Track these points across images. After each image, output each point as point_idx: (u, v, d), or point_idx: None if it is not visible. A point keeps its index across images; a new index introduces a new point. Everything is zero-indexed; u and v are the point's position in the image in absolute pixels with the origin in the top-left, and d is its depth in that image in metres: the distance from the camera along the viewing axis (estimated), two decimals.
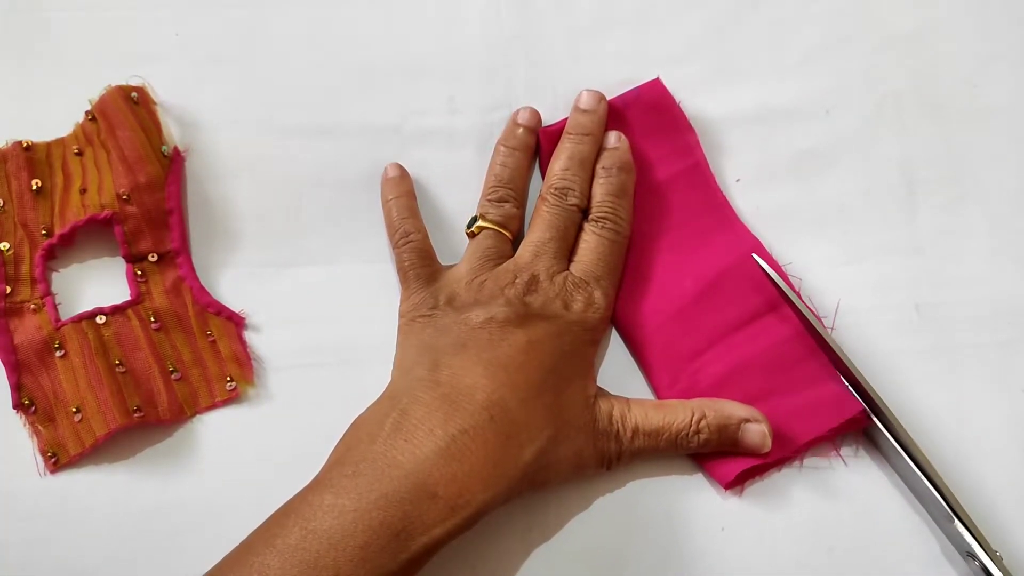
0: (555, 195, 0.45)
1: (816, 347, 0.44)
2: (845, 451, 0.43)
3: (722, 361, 0.44)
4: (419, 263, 0.44)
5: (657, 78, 0.48)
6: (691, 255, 0.46)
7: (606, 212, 0.44)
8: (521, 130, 0.47)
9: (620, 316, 0.45)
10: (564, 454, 0.40)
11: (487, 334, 0.41)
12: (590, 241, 0.44)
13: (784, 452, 0.42)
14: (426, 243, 0.45)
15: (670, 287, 0.45)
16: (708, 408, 0.42)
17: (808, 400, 0.43)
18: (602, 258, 0.44)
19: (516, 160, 0.46)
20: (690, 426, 0.41)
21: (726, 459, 0.42)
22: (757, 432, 0.41)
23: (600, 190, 0.45)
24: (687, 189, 0.46)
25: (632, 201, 0.46)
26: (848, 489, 0.43)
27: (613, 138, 0.46)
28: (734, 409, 0.42)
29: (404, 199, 0.46)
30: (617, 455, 0.41)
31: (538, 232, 0.44)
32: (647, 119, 0.47)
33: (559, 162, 0.45)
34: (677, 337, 0.44)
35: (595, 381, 0.43)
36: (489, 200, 0.45)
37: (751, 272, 0.44)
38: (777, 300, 0.44)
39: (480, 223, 0.45)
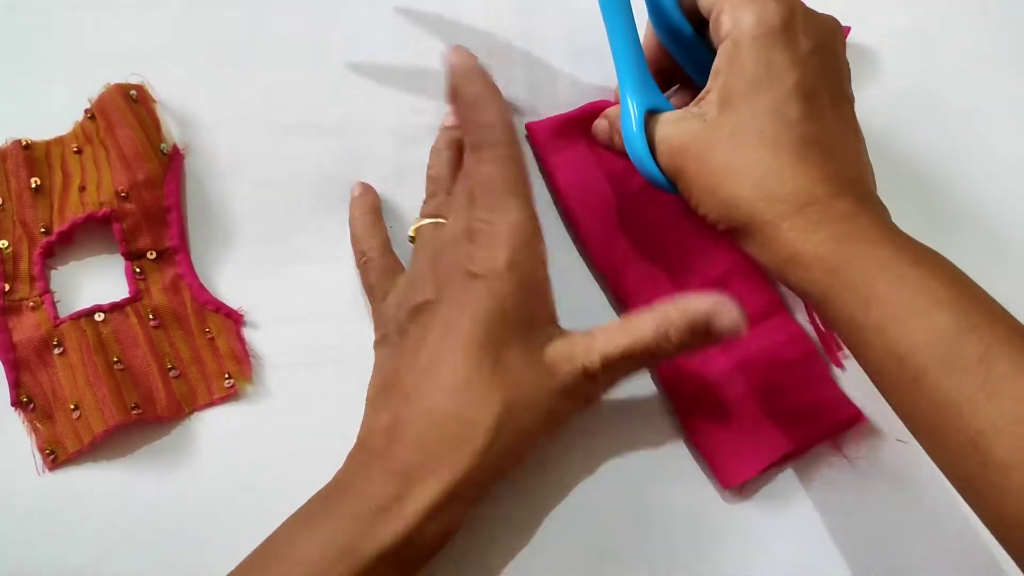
0: (429, 182, 0.46)
1: (814, 351, 0.43)
2: (847, 449, 0.43)
3: (725, 359, 0.44)
4: (378, 282, 0.43)
5: None
6: (693, 254, 0.46)
7: (471, 141, 0.40)
8: (445, 131, 0.47)
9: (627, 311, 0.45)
10: (526, 422, 0.37)
11: (411, 345, 0.39)
12: (471, 176, 0.40)
13: (785, 450, 0.42)
14: (385, 259, 0.44)
15: (678, 286, 0.45)
16: (672, 311, 0.38)
17: (808, 402, 0.43)
18: (487, 190, 0.39)
19: (441, 158, 0.46)
20: (659, 336, 0.38)
21: (733, 463, 0.42)
22: (728, 316, 0.37)
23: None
24: None
25: (496, 108, 0.39)
26: (850, 484, 0.43)
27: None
28: (697, 303, 0.38)
29: (365, 217, 0.45)
30: (594, 391, 0.39)
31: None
32: None
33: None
34: None
35: (542, 332, 0.39)
36: (424, 203, 0.45)
37: (751, 273, 0.44)
38: (777, 303, 0.44)
39: (415, 225, 0.44)
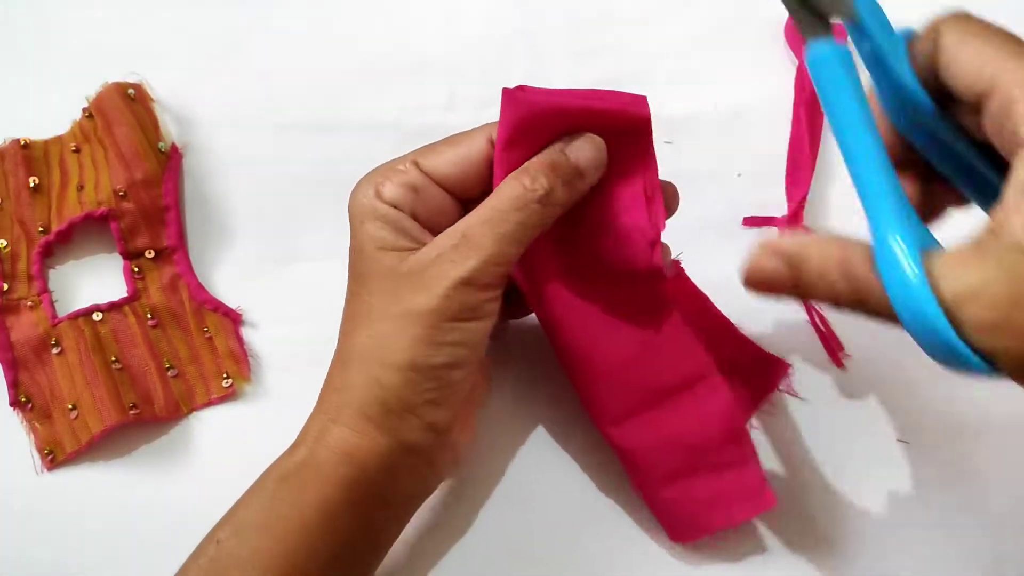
0: None
1: (743, 428, 0.40)
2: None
3: (652, 429, 0.40)
4: None
5: (643, 97, 0.37)
6: (619, 306, 0.40)
7: None
8: None
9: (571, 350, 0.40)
10: (397, 337, 0.36)
11: None
12: None
13: (698, 534, 0.40)
14: None
15: (614, 337, 0.40)
16: (529, 166, 0.36)
17: (727, 485, 0.40)
18: None
19: None
20: (527, 189, 0.35)
21: (681, 522, 0.40)
22: (586, 151, 0.36)
23: None
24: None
25: None
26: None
27: None
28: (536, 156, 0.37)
29: None
30: (476, 263, 0.35)
31: None
32: (618, 140, 0.37)
33: None
34: (620, 391, 0.40)
35: (402, 255, 0.37)
36: None
37: (684, 338, 0.40)
38: (709, 367, 0.40)
39: None
